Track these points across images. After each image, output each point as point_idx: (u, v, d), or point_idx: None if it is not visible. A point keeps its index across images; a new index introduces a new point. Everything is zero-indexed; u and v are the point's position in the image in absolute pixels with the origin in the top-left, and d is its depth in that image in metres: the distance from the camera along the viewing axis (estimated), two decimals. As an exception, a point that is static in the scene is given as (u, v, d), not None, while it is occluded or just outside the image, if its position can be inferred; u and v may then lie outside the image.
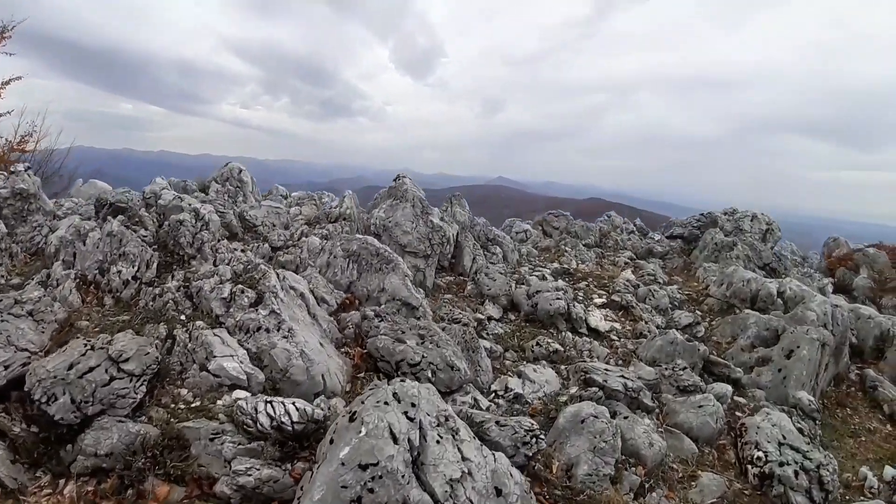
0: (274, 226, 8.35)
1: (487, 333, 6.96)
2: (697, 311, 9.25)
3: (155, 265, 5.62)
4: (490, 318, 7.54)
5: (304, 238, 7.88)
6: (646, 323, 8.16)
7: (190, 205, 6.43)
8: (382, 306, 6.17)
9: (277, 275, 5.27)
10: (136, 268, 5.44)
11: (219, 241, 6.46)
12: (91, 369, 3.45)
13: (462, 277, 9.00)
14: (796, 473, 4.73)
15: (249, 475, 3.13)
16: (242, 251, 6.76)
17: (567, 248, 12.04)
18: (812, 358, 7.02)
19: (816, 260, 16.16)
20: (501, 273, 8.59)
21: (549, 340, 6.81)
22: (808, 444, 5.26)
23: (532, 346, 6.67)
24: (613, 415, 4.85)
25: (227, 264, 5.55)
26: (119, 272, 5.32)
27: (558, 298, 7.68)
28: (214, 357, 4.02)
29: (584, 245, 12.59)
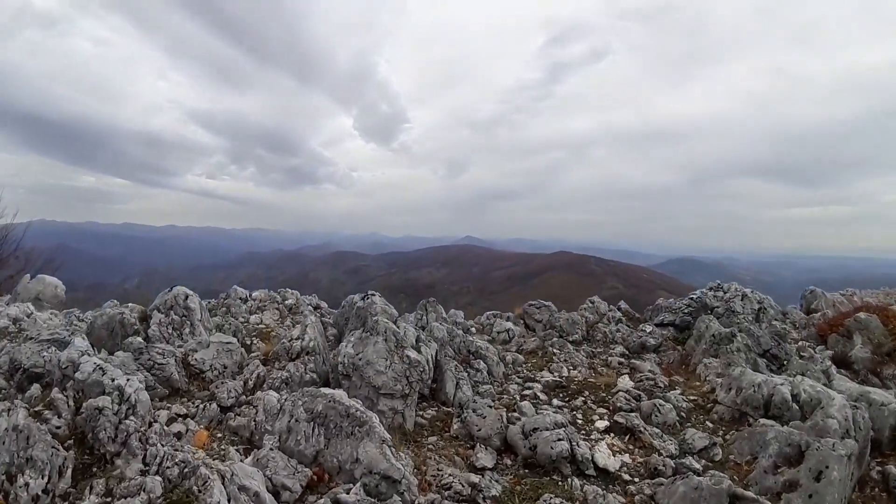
0: (225, 368, 7.19)
1: (483, 498, 5.82)
2: (707, 423, 8.34)
3: (69, 471, 4.47)
4: (484, 470, 6.44)
5: (259, 391, 6.70)
6: (659, 454, 7.17)
7: (113, 380, 5.27)
8: (358, 483, 5.07)
9: (223, 476, 4.18)
10: (45, 478, 4.29)
11: (150, 424, 5.28)
12: None
13: (446, 408, 7.91)
14: None
15: None
16: (179, 435, 5.59)
17: (555, 350, 11.04)
18: (842, 477, 6.17)
19: (799, 317, 15.52)
20: (491, 406, 7.54)
21: (556, 500, 5.73)
22: None
23: (538, 511, 5.62)
24: None
25: (158, 469, 4.39)
26: (27, 484, 4.16)
27: (560, 439, 6.65)
28: None
29: (571, 343, 11.66)
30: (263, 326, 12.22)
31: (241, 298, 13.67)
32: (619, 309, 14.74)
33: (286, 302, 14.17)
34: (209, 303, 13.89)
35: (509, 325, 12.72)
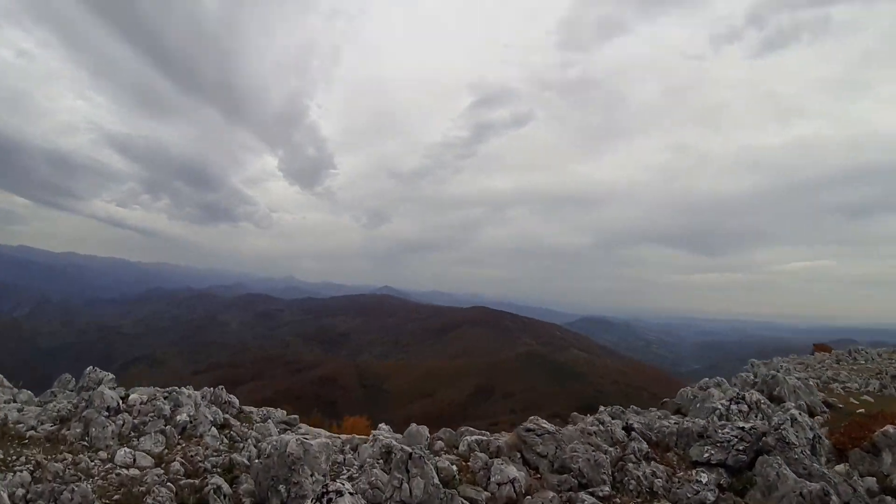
0: None
1: None
2: None
3: None
4: None
5: None
6: None
7: None
8: None
9: None
10: None
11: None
12: None
13: None
14: None
15: None
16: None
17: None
18: None
19: (753, 395, 15.01)
20: None
21: None
22: None
23: None
24: None
25: None
26: None
27: None
28: None
29: (599, 499, 8.33)
30: (136, 474, 8.21)
31: (107, 409, 9.28)
32: (632, 429, 10.89)
33: (177, 417, 9.85)
34: (51, 393, 12.02)
35: (512, 471, 8.90)
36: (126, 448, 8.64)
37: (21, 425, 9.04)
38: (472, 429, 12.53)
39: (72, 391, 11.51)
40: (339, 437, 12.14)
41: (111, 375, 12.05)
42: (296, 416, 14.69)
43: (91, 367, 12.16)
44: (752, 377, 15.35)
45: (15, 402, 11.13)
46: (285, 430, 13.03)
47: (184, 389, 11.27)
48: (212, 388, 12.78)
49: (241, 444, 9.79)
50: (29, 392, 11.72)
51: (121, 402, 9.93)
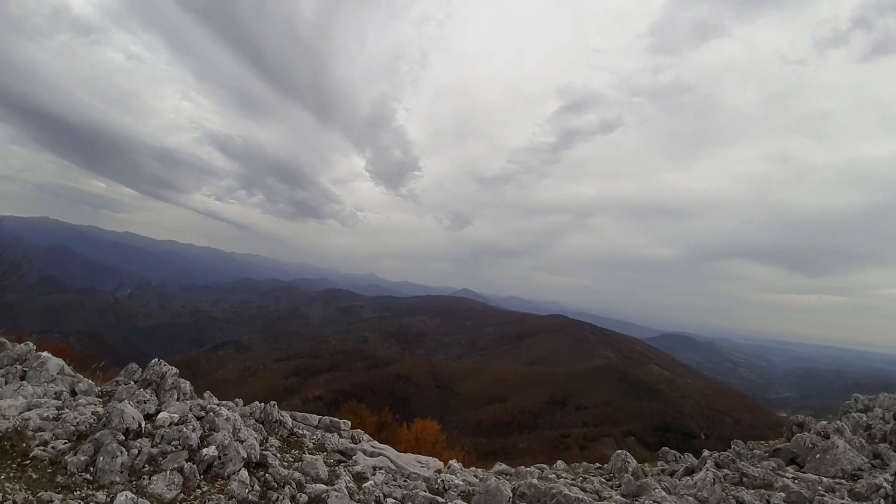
0: None
1: None
2: None
3: None
4: None
5: None
6: None
7: None
8: None
9: None
10: None
11: None
12: None
13: None
14: None
15: None
16: None
17: None
18: None
19: None
20: None
21: None
22: None
23: None
24: None
25: None
26: None
27: None
28: None
29: None
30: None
31: (125, 432, 7.56)
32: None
33: (204, 450, 7.66)
34: (115, 382, 10.57)
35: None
36: (130, 492, 6.35)
37: (37, 436, 7.32)
38: (540, 469, 11.76)
39: (136, 382, 10.23)
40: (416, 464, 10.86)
41: (174, 370, 10.51)
42: (359, 431, 11.92)
43: (156, 359, 10.62)
44: (865, 419, 13.42)
45: (60, 397, 9.55)
46: (345, 450, 10.64)
47: (223, 410, 8.77)
48: (262, 405, 10.83)
49: (276, 495, 7.19)
50: (89, 382, 10.45)
51: (143, 423, 7.86)
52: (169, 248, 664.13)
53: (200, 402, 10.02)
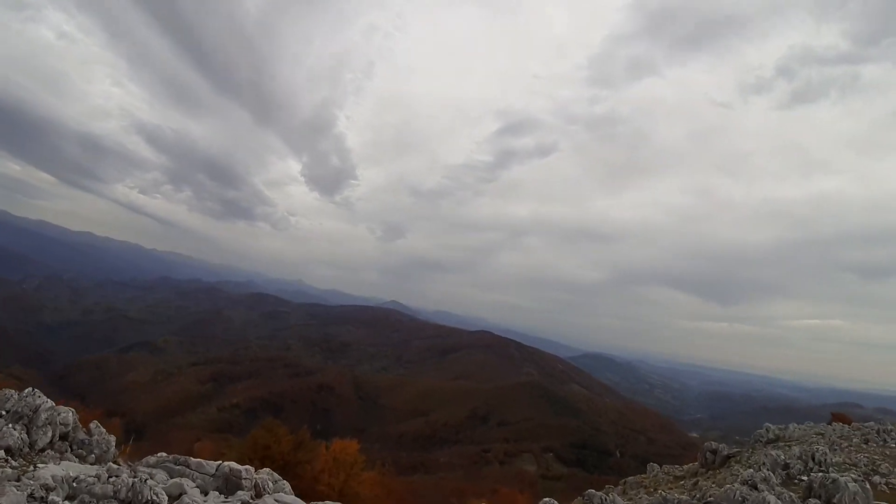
0: None
1: None
2: None
3: None
4: None
5: None
6: None
7: None
8: None
9: None
10: None
11: None
12: None
13: None
14: None
15: None
16: None
17: None
18: None
19: None
20: None
21: None
22: None
23: None
24: None
25: None
26: None
27: None
28: None
29: None
30: None
31: None
32: None
33: None
34: None
35: None
36: None
37: None
38: None
39: (6, 413, 8.35)
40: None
41: (49, 403, 8.53)
42: (265, 477, 9.74)
43: (30, 388, 8.88)
44: (783, 457, 13.47)
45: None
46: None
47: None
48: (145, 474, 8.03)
49: None
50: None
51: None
52: (85, 240, 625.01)
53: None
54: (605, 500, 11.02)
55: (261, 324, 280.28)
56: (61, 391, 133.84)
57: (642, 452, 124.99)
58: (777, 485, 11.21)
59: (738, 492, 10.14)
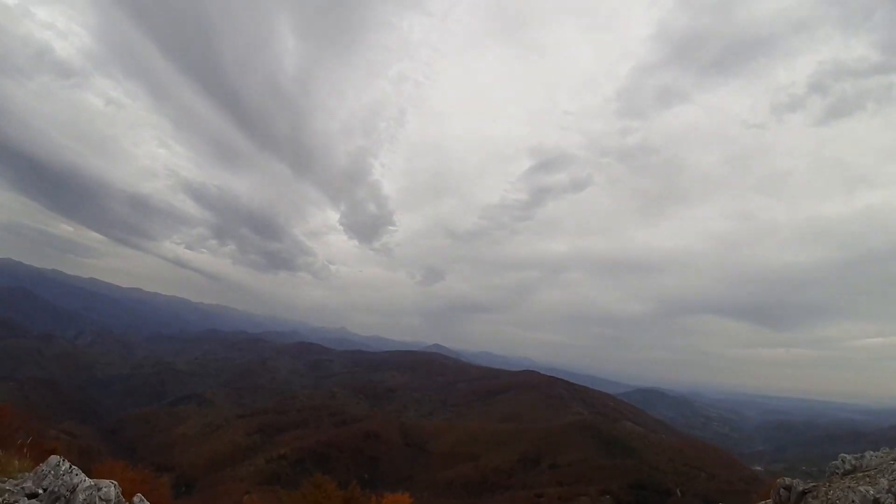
0: None
1: None
2: None
3: None
4: None
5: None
6: None
7: None
8: None
9: None
10: None
11: None
12: None
13: None
14: None
15: None
16: None
17: None
18: None
19: None
20: None
21: None
22: None
23: None
24: None
25: None
26: None
27: None
28: None
29: None
30: None
31: None
32: None
33: None
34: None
35: None
36: None
37: None
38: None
39: (43, 493, 7.84)
40: None
41: (88, 483, 8.17)
42: None
43: (68, 466, 8.22)
44: (872, 493, 12.06)
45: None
46: None
47: None
48: None
49: None
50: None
51: None
52: (134, 296, 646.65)
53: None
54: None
55: (306, 373, 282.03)
56: (112, 445, 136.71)
57: (703, 490, 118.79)
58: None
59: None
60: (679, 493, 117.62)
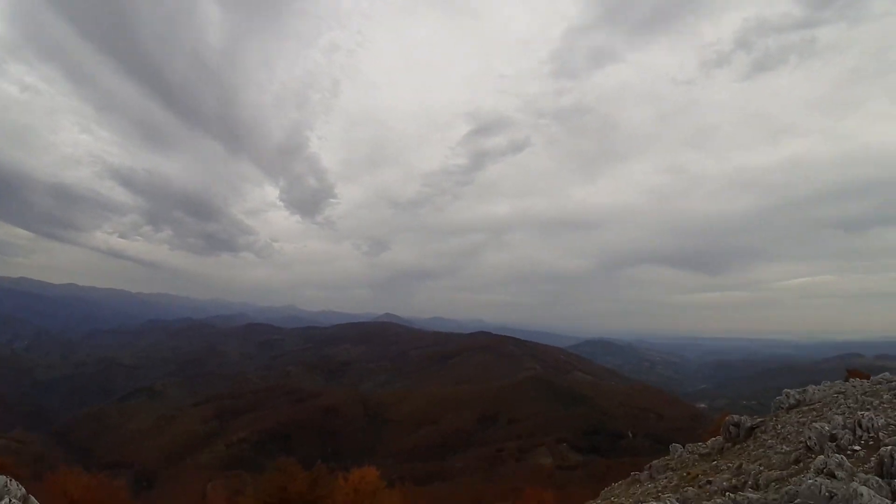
0: None
1: None
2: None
3: None
4: None
5: None
6: None
7: None
8: None
9: None
10: None
11: None
12: None
13: None
14: None
15: None
16: None
17: None
18: None
19: None
20: None
21: None
22: None
23: None
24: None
25: None
26: None
27: None
28: None
29: None
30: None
31: None
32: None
33: None
34: None
35: None
36: None
37: None
38: None
39: None
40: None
41: (20, 491, 7.91)
42: None
43: (5, 478, 8.19)
44: (828, 428, 12.47)
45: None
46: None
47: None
48: None
49: None
50: None
51: None
52: (69, 293, 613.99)
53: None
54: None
55: (257, 354, 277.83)
56: (64, 449, 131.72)
57: (653, 430, 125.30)
58: (857, 469, 9.89)
59: (821, 486, 8.61)
60: (630, 435, 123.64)
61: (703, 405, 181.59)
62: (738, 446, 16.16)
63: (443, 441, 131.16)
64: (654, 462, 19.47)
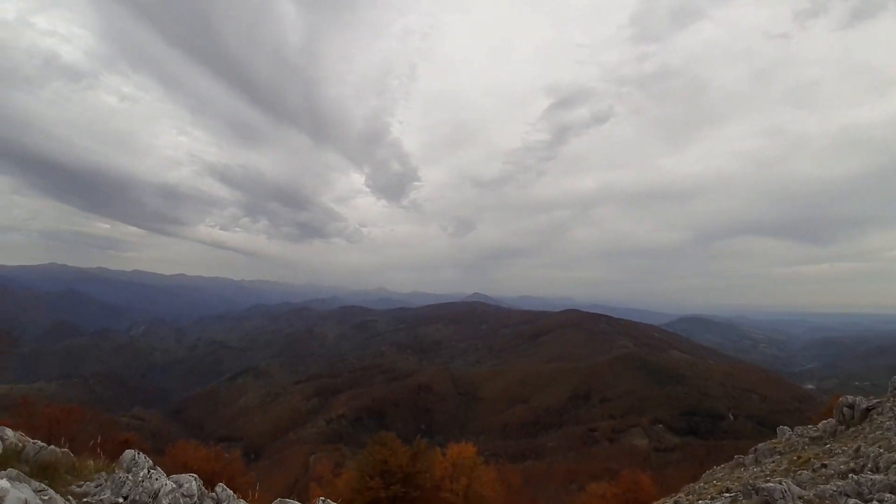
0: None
1: None
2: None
3: None
4: None
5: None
6: None
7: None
8: None
9: None
10: None
11: None
12: None
13: None
14: None
15: None
16: None
17: None
18: None
19: None
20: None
21: None
22: None
23: None
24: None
25: None
26: None
27: None
28: None
29: None
30: None
31: None
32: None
33: None
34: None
35: None
36: None
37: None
38: None
39: (126, 499, 7.47)
40: None
41: (170, 486, 8.00)
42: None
43: (145, 471, 7.93)
44: None
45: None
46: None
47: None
48: None
49: None
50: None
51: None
52: (178, 282, 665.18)
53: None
54: (787, 493, 9.40)
55: (352, 336, 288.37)
56: (180, 425, 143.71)
57: (756, 411, 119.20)
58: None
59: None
60: (731, 417, 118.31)
61: (810, 386, 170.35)
62: (853, 429, 15.24)
63: (534, 419, 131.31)
64: (760, 445, 18.72)
